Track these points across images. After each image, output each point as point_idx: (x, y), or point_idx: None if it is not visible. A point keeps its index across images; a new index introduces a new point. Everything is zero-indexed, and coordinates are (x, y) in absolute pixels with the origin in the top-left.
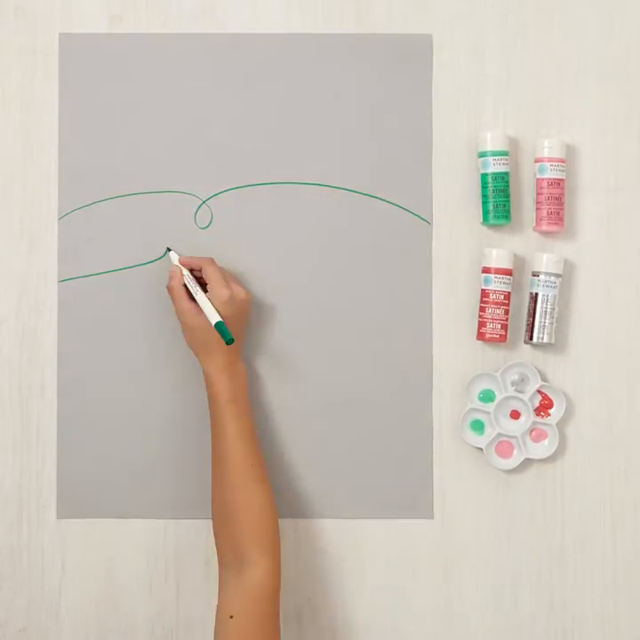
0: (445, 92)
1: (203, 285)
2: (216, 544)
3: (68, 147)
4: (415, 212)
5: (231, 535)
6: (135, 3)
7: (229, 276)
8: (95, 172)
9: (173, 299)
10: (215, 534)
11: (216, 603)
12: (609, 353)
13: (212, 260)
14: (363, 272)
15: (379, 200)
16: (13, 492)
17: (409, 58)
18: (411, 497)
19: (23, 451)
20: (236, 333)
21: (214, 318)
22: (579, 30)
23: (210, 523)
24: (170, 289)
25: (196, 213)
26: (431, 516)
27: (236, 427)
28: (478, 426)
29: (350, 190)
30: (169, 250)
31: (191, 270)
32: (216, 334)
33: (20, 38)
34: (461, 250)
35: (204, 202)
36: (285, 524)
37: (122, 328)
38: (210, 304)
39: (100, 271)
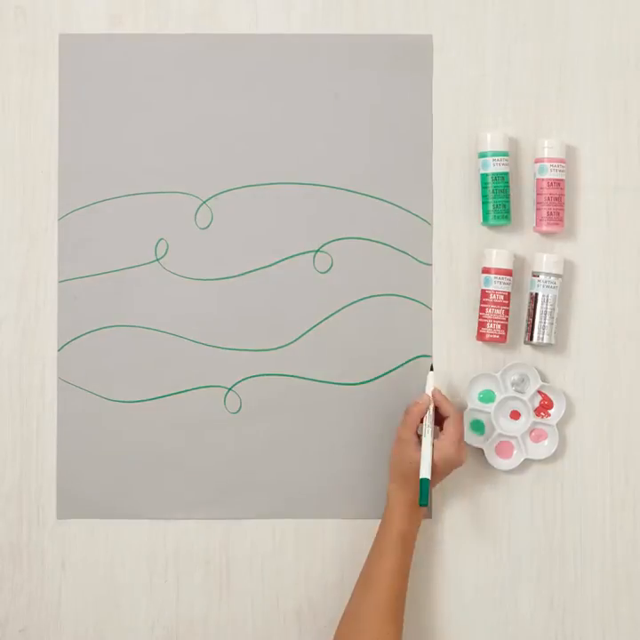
0: (445, 91)
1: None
2: None
3: (67, 147)
4: (415, 212)
5: None
6: (135, 3)
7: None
8: (95, 172)
9: (405, 422)
10: None
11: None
12: (609, 353)
13: (462, 416)
14: (363, 272)
15: (379, 200)
16: (13, 492)
17: (409, 58)
18: None
19: (23, 451)
20: (433, 483)
21: (424, 473)
22: (579, 30)
23: (209, 523)
24: (408, 412)
25: (196, 213)
26: (430, 516)
27: (395, 564)
28: (478, 426)
29: (350, 190)
30: (432, 368)
31: (436, 408)
32: (417, 470)
33: (20, 38)
34: (461, 250)
35: (204, 202)
36: (285, 524)
37: (122, 328)
38: (430, 456)
39: (100, 271)
